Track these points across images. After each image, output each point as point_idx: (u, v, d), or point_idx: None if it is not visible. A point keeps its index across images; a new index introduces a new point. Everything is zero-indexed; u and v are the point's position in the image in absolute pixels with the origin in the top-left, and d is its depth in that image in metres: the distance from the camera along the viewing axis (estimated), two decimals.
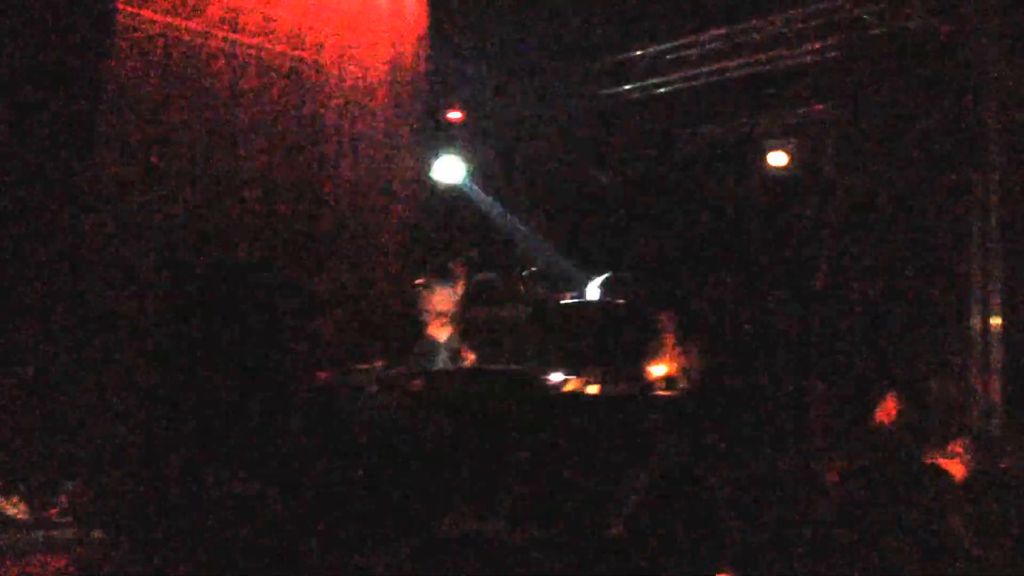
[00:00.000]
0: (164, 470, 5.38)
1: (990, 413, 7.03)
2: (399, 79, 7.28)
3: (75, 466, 5.47)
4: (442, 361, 5.94)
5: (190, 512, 4.88)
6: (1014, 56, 6.99)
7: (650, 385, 6.89)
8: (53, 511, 5.17)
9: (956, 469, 5.10)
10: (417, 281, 6.02)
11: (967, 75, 7.21)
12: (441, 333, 6.04)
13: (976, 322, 7.10)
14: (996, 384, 7.03)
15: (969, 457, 4.96)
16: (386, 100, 7.20)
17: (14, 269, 5.56)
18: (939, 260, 7.52)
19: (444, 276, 6.01)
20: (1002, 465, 5.90)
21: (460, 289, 6.05)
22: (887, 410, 7.44)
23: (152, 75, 6.11)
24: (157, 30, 6.16)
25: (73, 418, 5.62)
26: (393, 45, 7.28)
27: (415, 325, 6.04)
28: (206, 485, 5.18)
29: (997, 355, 7.03)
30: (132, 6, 6.06)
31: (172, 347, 5.98)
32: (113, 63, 5.97)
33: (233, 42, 6.48)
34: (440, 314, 6.00)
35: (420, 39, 7.42)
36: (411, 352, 5.93)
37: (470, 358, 6.07)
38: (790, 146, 8.80)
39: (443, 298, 5.96)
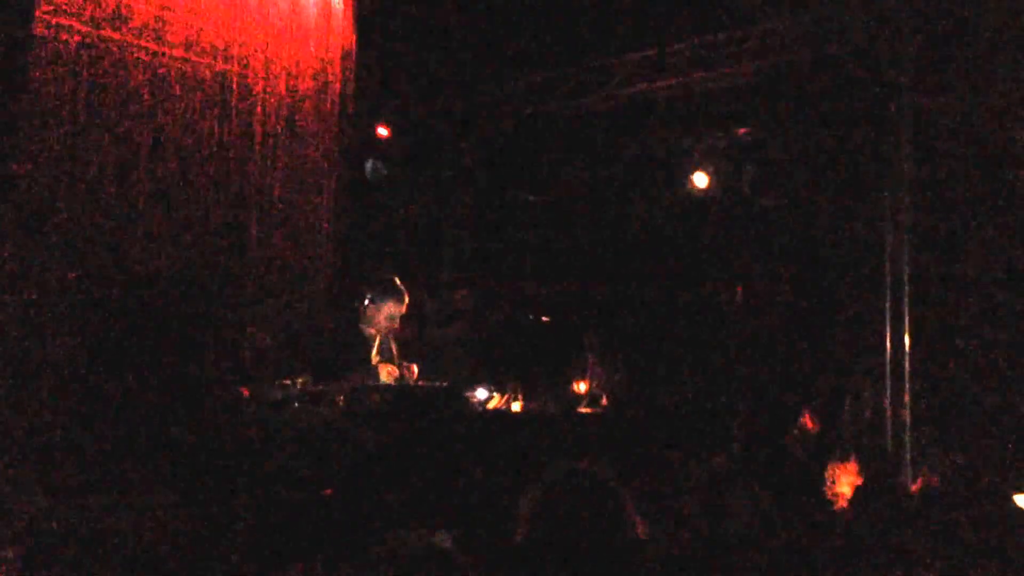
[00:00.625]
0: (77, 487, 5.29)
1: (901, 430, 7.26)
2: (326, 94, 7.27)
3: None
4: (385, 376, 5.98)
5: (104, 531, 4.81)
6: (927, 84, 7.26)
7: (573, 402, 6.98)
8: None
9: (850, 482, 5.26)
10: (367, 294, 6.05)
11: (883, 101, 7.46)
12: (385, 348, 6.09)
13: (888, 342, 7.32)
14: (906, 402, 7.26)
15: (862, 472, 5.11)
16: (313, 115, 7.19)
17: None
18: (852, 280, 7.75)
19: (390, 292, 6.05)
20: (904, 481, 6.09)
21: (405, 305, 6.10)
22: (801, 428, 7.65)
23: (73, 85, 6.01)
24: (78, 39, 6.05)
25: None
26: (320, 61, 7.27)
27: (355, 339, 6.06)
28: (123, 501, 5.11)
29: (908, 374, 7.26)
30: (52, 15, 5.95)
31: (87, 361, 5.89)
32: (32, 72, 5.86)
33: (157, 53, 6.40)
34: (385, 329, 6.06)
35: (347, 55, 7.42)
36: (350, 367, 5.95)
37: (414, 372, 6.13)
38: (712, 168, 8.98)
39: (389, 313, 6.02)
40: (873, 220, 7.57)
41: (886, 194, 7.45)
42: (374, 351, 6.04)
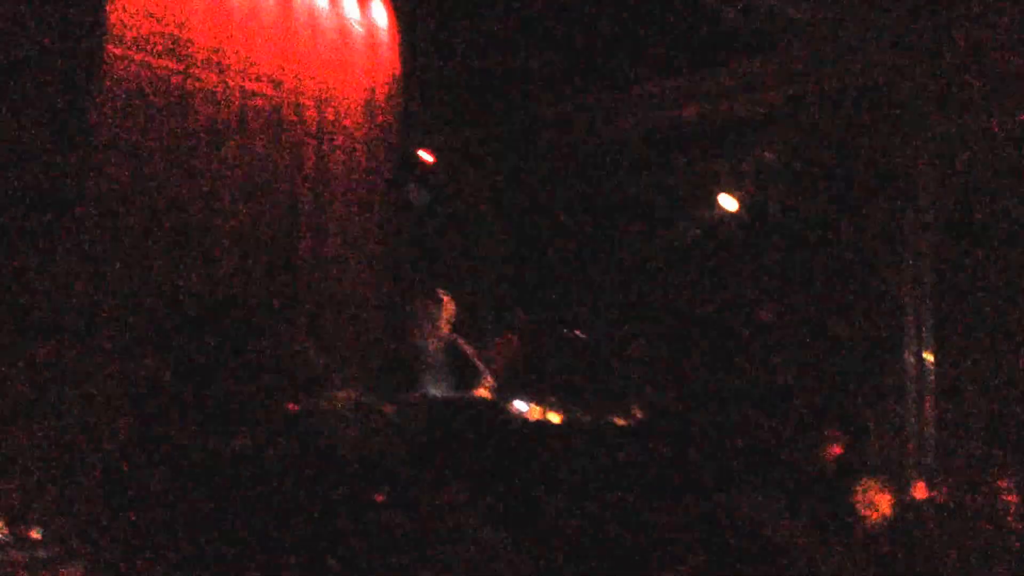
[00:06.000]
0: (139, 493, 5.51)
1: (924, 445, 7.43)
2: (374, 120, 7.54)
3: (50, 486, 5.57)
4: (434, 386, 6.17)
5: (167, 533, 5.02)
6: (947, 108, 7.47)
7: (610, 414, 7.13)
8: (32, 530, 5.24)
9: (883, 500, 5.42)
10: (407, 305, 6.25)
11: (904, 124, 7.67)
12: (433, 357, 6.27)
13: (910, 357, 7.51)
14: (929, 417, 7.43)
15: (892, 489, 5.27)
16: (362, 141, 7.46)
17: None
18: (876, 298, 7.92)
19: (430, 300, 6.24)
20: (932, 496, 6.24)
21: (450, 313, 6.27)
22: (827, 443, 7.78)
23: (137, 114, 6.28)
24: (140, 69, 6.31)
25: (46, 438, 5.72)
26: (367, 90, 7.55)
27: (409, 353, 6.23)
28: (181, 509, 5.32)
29: (930, 389, 7.45)
30: (118, 46, 6.22)
31: (149, 379, 6.13)
32: (98, 103, 6.12)
33: (216, 82, 6.68)
34: (430, 337, 6.24)
35: (394, 81, 7.70)
36: (396, 378, 6.14)
37: (489, 381, 6.29)
38: (739, 191, 9.20)
39: (432, 320, 6.19)
40: (894, 239, 7.76)
41: (910, 215, 7.65)
42: (427, 362, 6.23)
